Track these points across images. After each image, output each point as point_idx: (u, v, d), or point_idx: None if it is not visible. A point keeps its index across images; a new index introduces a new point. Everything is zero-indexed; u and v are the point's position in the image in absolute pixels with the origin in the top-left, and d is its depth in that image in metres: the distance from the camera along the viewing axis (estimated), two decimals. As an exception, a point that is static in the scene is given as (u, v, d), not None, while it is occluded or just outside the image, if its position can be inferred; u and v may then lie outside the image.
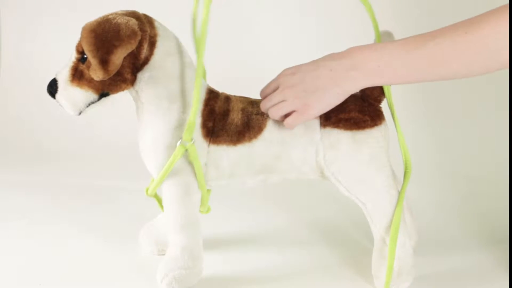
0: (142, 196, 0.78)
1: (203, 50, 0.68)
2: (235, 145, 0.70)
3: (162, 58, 0.68)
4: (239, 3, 1.43)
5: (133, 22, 0.65)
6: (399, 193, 0.71)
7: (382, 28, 0.73)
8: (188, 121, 0.67)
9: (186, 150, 0.68)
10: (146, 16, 0.69)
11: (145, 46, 0.67)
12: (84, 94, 0.67)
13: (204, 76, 0.75)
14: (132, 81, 0.68)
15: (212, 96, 0.72)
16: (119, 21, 0.64)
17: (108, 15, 0.66)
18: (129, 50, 0.64)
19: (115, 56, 0.63)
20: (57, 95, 0.68)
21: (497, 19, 0.60)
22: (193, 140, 0.68)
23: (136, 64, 0.67)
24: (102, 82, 0.66)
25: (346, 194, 0.72)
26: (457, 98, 1.28)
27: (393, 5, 1.31)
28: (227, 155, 0.70)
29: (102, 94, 0.67)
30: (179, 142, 0.68)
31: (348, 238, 0.88)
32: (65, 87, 0.67)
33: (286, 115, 0.69)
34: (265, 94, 0.72)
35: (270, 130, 0.70)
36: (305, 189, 1.07)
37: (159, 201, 0.79)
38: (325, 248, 0.85)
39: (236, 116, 0.71)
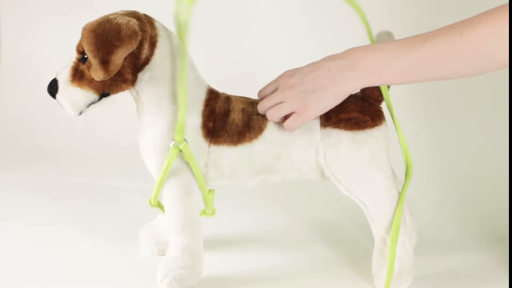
0: (142, 196, 0.78)
1: (186, 49, 0.68)
2: (236, 145, 0.70)
3: (162, 58, 0.68)
4: (239, 3, 1.43)
5: (133, 22, 0.65)
6: (400, 193, 0.71)
7: (381, 28, 0.73)
8: (177, 122, 0.67)
9: (181, 151, 0.68)
10: (146, 16, 0.69)
11: (146, 46, 0.67)
12: (84, 94, 0.67)
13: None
14: (133, 81, 0.68)
15: (212, 96, 0.72)
16: (119, 21, 0.64)
17: (108, 15, 0.66)
18: (130, 50, 0.64)
19: (115, 56, 0.63)
20: (57, 95, 0.68)
21: (492, 20, 0.61)
22: (186, 141, 0.68)
23: (136, 64, 0.67)
24: (102, 82, 0.66)
25: (346, 194, 0.72)
26: (457, 98, 1.29)
27: (392, 5, 1.31)
28: (228, 155, 0.70)
29: (103, 94, 0.67)
30: (171, 143, 0.68)
31: (348, 238, 0.89)
32: (66, 87, 0.67)
33: (285, 117, 0.69)
34: (264, 95, 0.72)
35: (270, 131, 0.70)
36: (305, 189, 1.07)
37: (163, 208, 0.79)
38: (325, 248, 0.85)
39: (236, 116, 0.71)
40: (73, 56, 0.68)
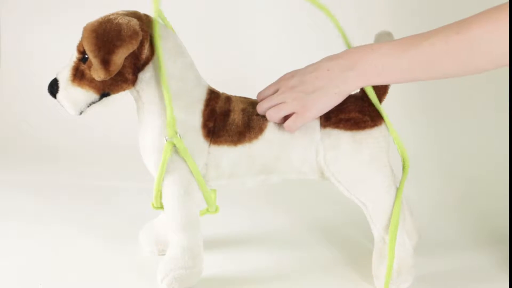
0: (142, 196, 0.78)
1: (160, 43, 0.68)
2: (236, 146, 0.70)
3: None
4: (239, 3, 1.44)
5: (134, 22, 0.65)
6: (398, 188, 0.71)
7: (381, 28, 0.73)
8: (167, 117, 0.67)
9: (174, 145, 0.68)
10: (147, 16, 0.69)
11: (147, 46, 0.67)
12: (85, 94, 0.67)
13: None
14: (133, 81, 0.68)
15: (213, 96, 0.72)
16: (120, 21, 0.64)
17: (109, 15, 0.66)
18: (131, 50, 0.64)
19: (116, 56, 0.63)
20: (58, 95, 0.68)
21: (489, 19, 0.61)
22: (178, 135, 0.68)
23: (137, 64, 0.67)
24: (103, 82, 0.66)
25: (346, 194, 0.72)
26: (457, 98, 1.28)
27: (392, 5, 1.31)
28: (228, 155, 0.70)
29: (103, 94, 0.67)
30: (165, 139, 0.68)
31: (348, 238, 0.89)
32: (66, 87, 0.67)
33: (285, 118, 0.69)
34: (263, 96, 0.72)
35: (270, 131, 0.70)
36: (305, 189, 1.07)
37: None
38: (325, 248, 0.85)
39: (237, 117, 0.71)
40: (74, 56, 0.68)
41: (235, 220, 0.95)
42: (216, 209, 0.78)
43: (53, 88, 0.68)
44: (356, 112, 0.70)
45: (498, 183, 1.06)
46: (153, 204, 0.74)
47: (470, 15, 0.64)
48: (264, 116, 0.71)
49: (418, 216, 0.83)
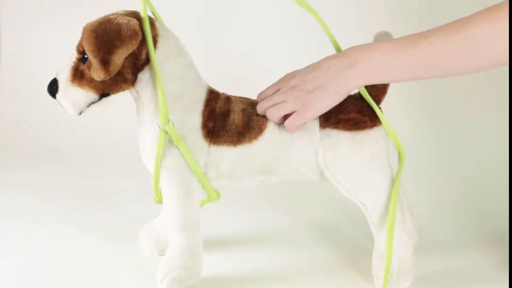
0: (142, 196, 0.78)
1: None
2: (235, 146, 0.70)
3: (162, 58, 0.68)
4: (239, 3, 1.43)
5: (134, 22, 0.65)
6: (394, 179, 0.71)
7: (381, 28, 0.73)
8: (159, 104, 0.67)
9: (167, 133, 0.68)
10: (147, 16, 0.69)
11: (146, 46, 0.66)
12: (84, 94, 0.67)
13: None
14: (133, 81, 0.68)
15: (212, 96, 0.71)
16: (120, 21, 0.64)
17: (109, 15, 0.66)
18: (130, 51, 0.64)
19: (116, 56, 0.63)
20: (57, 95, 0.68)
21: (488, 18, 0.62)
22: (171, 122, 0.68)
23: (137, 65, 0.67)
24: (102, 82, 0.66)
25: (346, 194, 0.72)
26: (457, 98, 1.29)
27: (392, 5, 1.31)
28: (227, 155, 0.70)
29: (103, 94, 0.67)
30: (158, 127, 0.67)
31: (348, 238, 0.89)
32: (66, 87, 0.67)
33: (285, 118, 0.69)
34: (264, 96, 0.72)
35: (270, 131, 0.70)
36: (305, 189, 1.07)
37: None
38: (325, 248, 0.85)
39: (236, 117, 0.71)
40: (73, 56, 0.68)
41: (235, 220, 0.95)
42: (218, 196, 0.75)
43: (53, 88, 0.68)
44: (355, 113, 0.70)
45: (498, 183, 1.06)
46: (155, 199, 0.74)
47: (467, 14, 0.64)
48: (264, 117, 0.71)
49: (418, 216, 0.83)
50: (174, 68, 0.69)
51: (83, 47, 0.65)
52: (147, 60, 0.68)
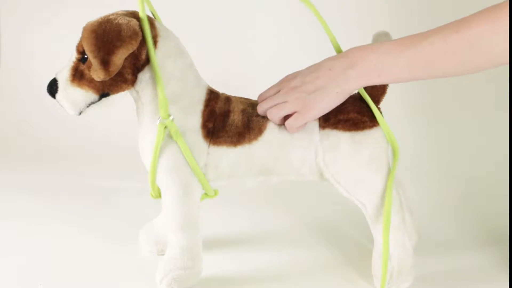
0: (142, 196, 0.78)
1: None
2: (235, 146, 0.70)
3: (162, 58, 0.68)
4: (239, 3, 1.43)
5: (134, 22, 0.65)
6: (389, 173, 0.71)
7: (381, 28, 0.73)
8: (159, 99, 0.67)
9: (166, 127, 0.68)
10: (147, 16, 0.69)
11: (146, 46, 0.66)
12: (84, 94, 0.67)
13: None
14: (133, 82, 0.68)
15: (212, 96, 0.71)
16: (120, 21, 0.64)
17: (109, 15, 0.66)
18: (130, 51, 0.64)
19: (116, 56, 0.63)
20: (57, 95, 0.68)
21: (487, 19, 0.62)
22: (171, 117, 0.68)
23: (137, 65, 0.67)
24: (102, 82, 0.66)
25: (345, 195, 0.72)
26: (457, 98, 1.29)
27: (392, 5, 1.31)
28: (227, 156, 0.70)
29: (103, 95, 0.67)
30: (158, 121, 0.67)
31: (348, 238, 0.89)
32: (65, 87, 0.67)
33: (285, 119, 0.69)
34: (265, 97, 0.72)
35: (270, 132, 0.70)
36: (305, 189, 1.07)
37: None
38: (325, 248, 0.85)
39: (236, 117, 0.71)
40: (73, 56, 0.68)
41: (235, 220, 0.95)
42: (216, 193, 0.76)
43: (52, 88, 0.68)
44: (355, 113, 0.70)
45: (498, 183, 1.06)
46: (152, 194, 0.74)
47: (467, 14, 0.64)
48: (263, 117, 0.71)
49: (418, 216, 0.83)
50: (174, 68, 0.69)
51: (83, 47, 0.65)
52: (147, 61, 0.68)
